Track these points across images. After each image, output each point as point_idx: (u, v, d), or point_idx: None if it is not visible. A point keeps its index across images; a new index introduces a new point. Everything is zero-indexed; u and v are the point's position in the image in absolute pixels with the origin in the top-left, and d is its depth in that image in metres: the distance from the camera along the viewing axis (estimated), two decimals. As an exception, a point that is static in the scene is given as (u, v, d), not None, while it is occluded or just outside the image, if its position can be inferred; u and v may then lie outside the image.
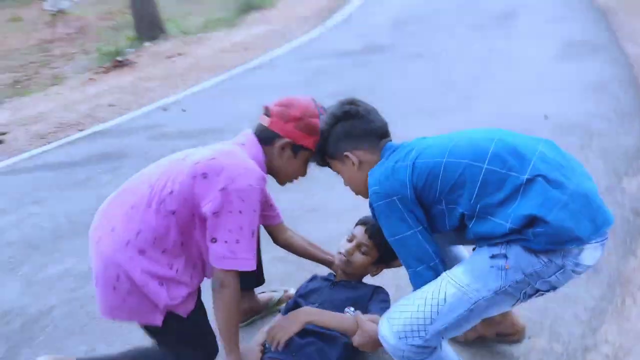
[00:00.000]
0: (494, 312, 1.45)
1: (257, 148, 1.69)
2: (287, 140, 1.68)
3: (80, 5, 16.49)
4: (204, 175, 1.53)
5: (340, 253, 1.91)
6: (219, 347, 1.69)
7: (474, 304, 1.36)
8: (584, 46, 5.90)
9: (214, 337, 1.70)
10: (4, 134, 5.21)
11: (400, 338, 1.38)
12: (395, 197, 1.41)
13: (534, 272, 1.32)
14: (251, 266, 1.57)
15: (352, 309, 1.77)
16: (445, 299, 1.36)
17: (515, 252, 1.33)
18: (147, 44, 9.43)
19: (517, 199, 1.31)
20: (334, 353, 1.66)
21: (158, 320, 1.57)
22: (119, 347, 1.92)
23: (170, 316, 1.58)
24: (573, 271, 1.34)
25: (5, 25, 17.64)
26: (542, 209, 1.27)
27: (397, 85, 5.25)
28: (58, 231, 3.11)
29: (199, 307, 1.67)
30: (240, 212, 1.51)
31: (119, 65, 7.81)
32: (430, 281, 1.43)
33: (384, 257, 1.86)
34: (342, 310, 1.76)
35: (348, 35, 8.33)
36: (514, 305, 1.43)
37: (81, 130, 5.09)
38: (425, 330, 1.37)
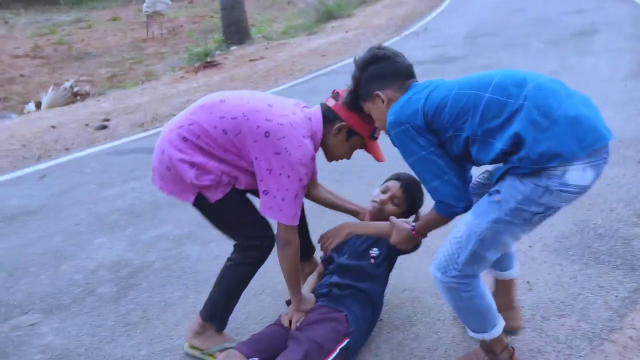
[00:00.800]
0: (507, 239, 1.57)
1: (319, 125, 1.94)
2: (344, 124, 1.93)
3: (172, 8, 17.63)
4: (267, 134, 1.80)
5: (374, 202, 2.21)
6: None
7: (480, 235, 1.55)
8: (660, 66, 5.84)
9: (253, 231, 1.99)
10: (107, 120, 5.95)
11: (442, 273, 1.64)
12: (408, 125, 1.57)
13: (524, 198, 1.46)
14: (294, 221, 1.84)
15: (375, 249, 2.09)
16: (462, 236, 1.59)
17: (506, 185, 1.50)
18: (233, 47, 10.15)
19: (512, 123, 1.43)
20: (369, 299, 2.01)
21: (190, 198, 1.89)
22: (207, 294, 2.34)
23: (202, 199, 1.89)
24: (562, 191, 1.42)
25: (106, 24, 19.33)
26: (523, 130, 1.40)
27: (465, 95, 5.47)
28: (156, 203, 3.65)
29: (228, 202, 1.91)
30: (288, 177, 1.80)
31: (208, 65, 8.50)
32: (446, 194, 1.59)
33: (411, 209, 2.18)
34: (367, 253, 2.08)
35: (422, 45, 8.58)
36: (522, 231, 1.56)
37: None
38: (456, 263, 1.61)
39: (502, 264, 1.96)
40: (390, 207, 2.20)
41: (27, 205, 3.81)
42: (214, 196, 1.88)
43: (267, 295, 2.46)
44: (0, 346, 2.29)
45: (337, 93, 1.99)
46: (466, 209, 1.63)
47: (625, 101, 4.76)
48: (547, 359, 1.93)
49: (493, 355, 1.78)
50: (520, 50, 7.36)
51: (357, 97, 1.83)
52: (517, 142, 1.42)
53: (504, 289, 2.02)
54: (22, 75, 12.68)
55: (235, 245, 2.06)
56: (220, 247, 2.93)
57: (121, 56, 14.45)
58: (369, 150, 2.03)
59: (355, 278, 2.03)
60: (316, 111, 1.98)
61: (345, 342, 1.83)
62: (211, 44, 11.31)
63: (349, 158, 2.07)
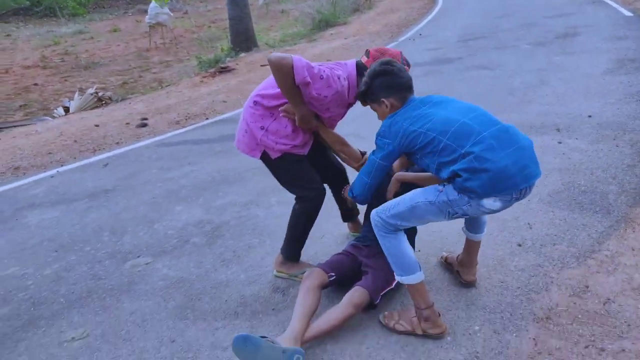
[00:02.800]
0: (428, 217, 2.09)
1: (354, 73, 2.45)
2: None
3: (172, 19, 18.25)
4: (321, 77, 2.31)
5: None
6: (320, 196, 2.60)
7: (415, 203, 2.07)
8: (635, 62, 6.62)
9: (303, 183, 2.58)
10: (146, 119, 6.62)
11: (377, 213, 2.18)
12: (386, 140, 2.13)
13: (453, 200, 1.98)
14: (298, 61, 2.21)
15: None
16: (405, 197, 2.12)
17: (448, 187, 2.00)
18: (242, 54, 10.85)
19: (455, 163, 1.94)
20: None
21: (257, 154, 2.51)
22: (279, 240, 3.02)
23: (267, 156, 2.51)
24: (478, 209, 1.98)
25: (107, 35, 19.97)
26: (461, 171, 1.91)
27: (463, 90, 6.22)
28: (215, 180, 4.34)
29: (284, 159, 2.50)
30: (328, 86, 2.33)
31: (223, 70, 9.20)
32: (358, 187, 2.25)
33: None
34: None
35: (418, 49, 9.34)
36: (441, 218, 2.08)
37: (207, 118, 6.42)
38: (389, 210, 2.13)
39: (474, 228, 2.45)
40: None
41: (102, 185, 4.48)
42: (274, 154, 2.55)
43: (327, 239, 3.17)
44: (126, 279, 2.97)
45: (368, 51, 2.50)
46: (361, 202, 2.32)
47: (604, 93, 5.54)
48: (546, 271, 2.65)
49: (419, 310, 2.22)
50: (511, 51, 8.16)
51: (365, 97, 2.29)
52: (455, 176, 1.95)
53: (468, 248, 2.53)
54: (35, 84, 13.25)
55: (295, 197, 2.72)
56: (281, 208, 3.64)
57: (128, 65, 15.07)
58: None
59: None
60: (352, 62, 2.53)
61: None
62: (216, 51, 11.99)
63: None
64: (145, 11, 23.90)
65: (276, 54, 2.24)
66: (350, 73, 2.47)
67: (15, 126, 7.56)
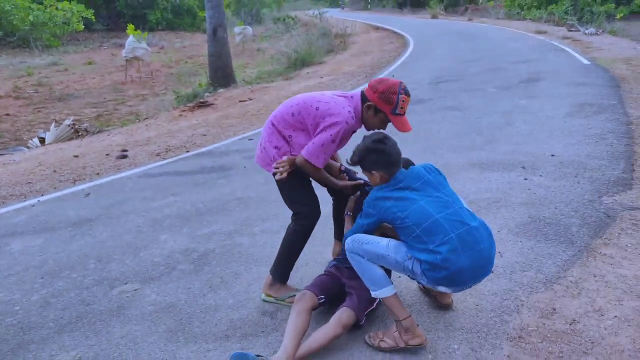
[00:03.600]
0: (392, 268, 2.42)
1: (358, 103, 2.65)
2: (371, 103, 2.59)
3: (150, 53, 18.43)
4: (317, 109, 2.62)
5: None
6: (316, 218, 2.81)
7: (385, 254, 2.37)
8: (593, 107, 7.13)
9: (302, 202, 2.81)
10: (126, 150, 6.70)
11: (352, 239, 2.46)
12: (372, 212, 2.41)
13: (415, 272, 2.31)
14: (313, 159, 2.60)
15: None
16: (379, 244, 2.40)
17: (416, 263, 2.31)
18: (221, 89, 11.09)
19: (424, 252, 2.26)
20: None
21: (270, 169, 2.75)
22: (265, 266, 3.16)
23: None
24: (434, 286, 2.33)
25: (82, 67, 19.99)
26: (426, 264, 2.25)
27: (435, 129, 6.56)
28: (199, 210, 4.45)
29: (293, 177, 2.71)
30: (324, 130, 2.60)
31: (202, 105, 9.38)
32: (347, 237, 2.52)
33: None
34: None
35: (392, 90, 9.74)
36: (403, 274, 2.43)
37: (187, 151, 6.54)
38: (362, 244, 2.42)
39: None
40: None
41: (85, 215, 4.53)
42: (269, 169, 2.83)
43: (311, 266, 3.31)
44: (115, 304, 3.03)
45: (370, 82, 2.69)
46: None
47: (565, 134, 5.94)
48: (517, 295, 2.86)
49: (398, 322, 2.42)
50: (478, 93, 8.63)
51: (358, 164, 2.52)
52: (423, 262, 2.28)
53: None
54: (7, 114, 13.12)
55: (291, 215, 2.89)
56: (265, 237, 3.77)
57: (103, 97, 15.10)
58: (393, 123, 2.63)
59: None
60: (357, 93, 2.72)
61: None
62: (196, 86, 12.20)
63: (383, 129, 2.69)
64: (121, 45, 24.18)
65: (299, 159, 2.66)
66: (356, 105, 2.67)
67: (-10, 156, 7.50)
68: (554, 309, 2.70)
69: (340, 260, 2.88)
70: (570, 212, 3.85)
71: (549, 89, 8.55)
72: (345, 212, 2.88)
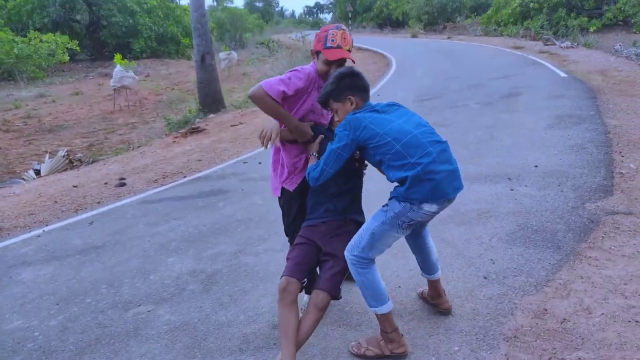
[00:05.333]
0: (389, 239, 2.44)
1: (314, 67, 2.76)
2: (313, 49, 2.75)
3: (137, 82, 18.61)
4: (289, 78, 2.66)
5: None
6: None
7: (372, 230, 2.42)
8: (572, 118, 7.44)
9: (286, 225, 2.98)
10: (124, 178, 6.85)
11: (349, 252, 2.49)
12: (346, 132, 2.37)
13: (399, 212, 2.34)
14: (266, 86, 2.59)
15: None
16: (364, 229, 2.47)
17: (391, 202, 2.39)
18: (211, 115, 11.30)
19: (403, 169, 2.28)
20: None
21: (277, 193, 2.96)
22: (272, 283, 3.34)
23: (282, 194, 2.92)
24: (419, 212, 2.33)
25: (69, 98, 20.11)
26: (407, 179, 2.26)
27: (424, 146, 6.79)
28: (202, 232, 4.61)
29: (282, 199, 2.94)
30: (299, 79, 2.67)
31: (194, 131, 9.57)
32: (315, 172, 2.47)
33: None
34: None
35: (379, 109, 10.02)
36: (396, 232, 2.41)
37: (184, 176, 6.71)
38: (358, 246, 2.45)
39: (429, 269, 2.84)
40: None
41: (91, 242, 4.66)
42: (276, 193, 2.99)
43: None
44: (131, 325, 3.18)
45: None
46: (312, 184, 2.54)
47: (547, 145, 6.21)
48: (510, 298, 3.06)
49: (385, 334, 2.55)
50: (461, 109, 8.94)
51: (331, 96, 2.52)
52: (403, 181, 2.31)
53: (433, 286, 2.93)
54: (-2, 148, 13.21)
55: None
56: (269, 255, 3.95)
57: (93, 127, 15.23)
58: (325, 56, 2.68)
59: (350, 182, 2.76)
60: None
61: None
62: (186, 112, 12.40)
63: (326, 71, 2.72)
64: (106, 74, 24.41)
65: (251, 90, 2.64)
66: (312, 65, 2.79)
67: (-13, 189, 7.59)
68: (546, 310, 2.90)
69: (314, 217, 2.81)
70: (556, 219, 4.09)
71: (529, 103, 8.89)
72: (311, 153, 2.78)
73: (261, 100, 2.62)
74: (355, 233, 2.55)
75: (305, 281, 2.59)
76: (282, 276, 2.54)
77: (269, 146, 2.73)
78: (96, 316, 3.33)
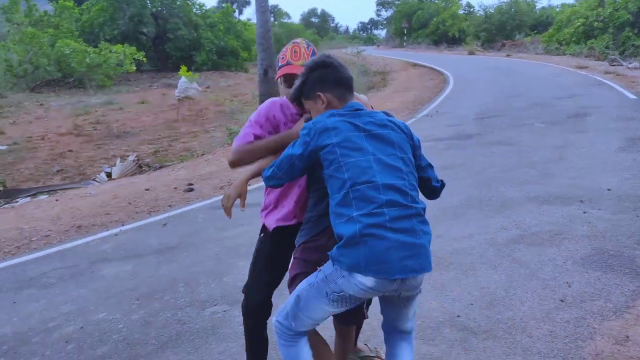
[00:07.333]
0: (315, 310, 1.88)
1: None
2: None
3: (200, 93, 19.34)
4: (250, 120, 2.34)
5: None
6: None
7: (298, 292, 1.93)
8: (645, 141, 7.19)
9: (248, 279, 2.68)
10: (192, 184, 7.14)
11: (275, 316, 2.03)
12: (307, 137, 1.88)
13: (329, 275, 1.81)
14: (241, 139, 2.30)
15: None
16: (293, 293, 2.00)
17: (326, 264, 1.86)
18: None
19: (342, 220, 1.77)
20: None
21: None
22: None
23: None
24: (350, 282, 1.75)
25: (136, 106, 21.08)
26: (344, 237, 1.74)
27: (487, 162, 6.71)
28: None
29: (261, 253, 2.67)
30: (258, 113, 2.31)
31: (256, 141, 9.83)
32: (269, 172, 1.99)
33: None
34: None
35: (439, 125, 10.00)
36: (324, 302, 1.84)
37: (249, 184, 6.91)
38: (283, 312, 1.99)
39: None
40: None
41: (166, 243, 4.90)
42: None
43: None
44: (209, 324, 3.32)
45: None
46: (265, 181, 2.07)
47: (619, 168, 6.02)
48: (589, 323, 3.00)
49: None
50: (526, 128, 8.78)
51: (301, 93, 2.03)
52: (340, 237, 1.77)
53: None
54: (70, 151, 13.98)
55: None
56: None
57: (158, 134, 15.91)
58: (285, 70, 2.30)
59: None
60: None
61: None
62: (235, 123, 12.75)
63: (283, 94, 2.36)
64: (169, 85, 25.44)
65: (228, 160, 2.46)
66: (277, 100, 2.40)
67: (65, 189, 8.09)
68: (627, 337, 2.83)
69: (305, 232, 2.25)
70: (633, 245, 3.96)
71: (598, 124, 8.63)
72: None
73: (242, 154, 2.35)
74: None
75: None
76: None
77: (242, 209, 2.47)
78: (175, 313, 3.50)
